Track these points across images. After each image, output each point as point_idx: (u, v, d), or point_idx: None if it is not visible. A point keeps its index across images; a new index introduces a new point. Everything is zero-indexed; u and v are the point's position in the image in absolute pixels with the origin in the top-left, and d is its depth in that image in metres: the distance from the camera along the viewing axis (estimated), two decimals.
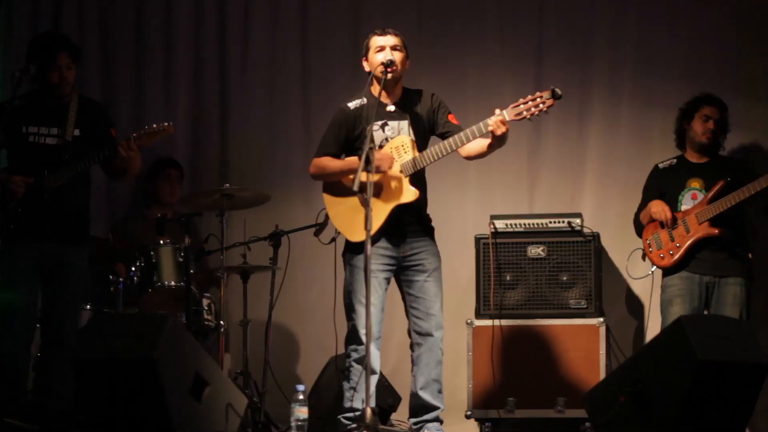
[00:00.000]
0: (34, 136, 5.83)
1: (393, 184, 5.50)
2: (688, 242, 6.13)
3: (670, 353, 4.71)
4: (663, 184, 6.33)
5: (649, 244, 6.27)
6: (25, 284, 5.72)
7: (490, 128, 5.34)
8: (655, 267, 6.28)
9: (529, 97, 5.34)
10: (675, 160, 6.38)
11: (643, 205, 6.39)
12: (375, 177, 5.22)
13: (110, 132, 5.98)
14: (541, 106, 5.32)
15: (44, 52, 5.82)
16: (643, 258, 6.36)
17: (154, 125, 5.88)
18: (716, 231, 6.08)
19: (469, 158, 5.65)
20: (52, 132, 5.85)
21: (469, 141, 5.44)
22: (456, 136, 5.45)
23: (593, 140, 7.10)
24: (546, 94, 5.31)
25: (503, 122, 5.32)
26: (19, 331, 5.71)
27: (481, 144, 5.51)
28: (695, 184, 6.25)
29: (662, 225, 6.19)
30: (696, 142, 6.30)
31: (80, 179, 5.88)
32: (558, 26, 7.17)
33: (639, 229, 6.39)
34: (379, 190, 5.48)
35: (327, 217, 5.77)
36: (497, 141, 5.41)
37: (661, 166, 6.40)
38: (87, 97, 6.19)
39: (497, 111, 5.35)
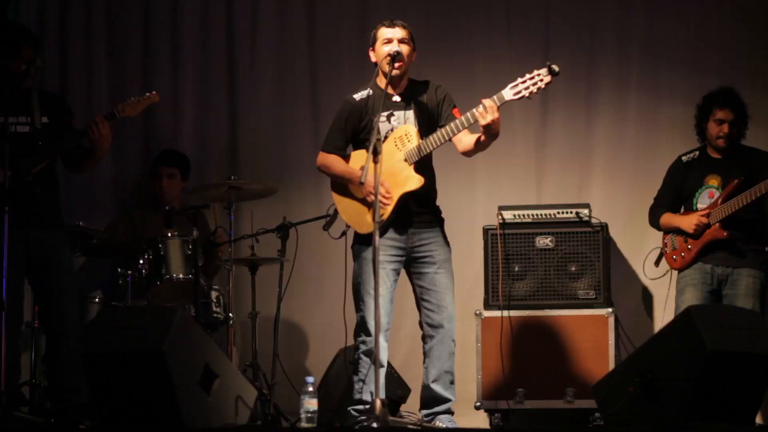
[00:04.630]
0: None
1: (398, 173, 5.49)
2: (699, 246, 6.12)
3: (680, 343, 4.71)
4: (683, 179, 6.29)
5: (666, 243, 6.27)
6: (11, 275, 5.52)
7: (478, 118, 5.33)
8: (669, 269, 6.30)
9: (527, 75, 5.32)
10: (697, 153, 6.32)
11: (662, 197, 6.36)
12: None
13: (71, 123, 5.91)
14: (539, 84, 5.30)
15: (8, 43, 5.76)
16: (657, 263, 6.37)
17: (138, 96, 5.89)
18: (724, 234, 6.05)
19: (465, 153, 5.61)
20: (22, 120, 5.77)
21: (459, 131, 5.42)
22: (449, 125, 5.43)
23: (601, 131, 7.09)
24: (543, 71, 5.29)
25: (490, 110, 5.27)
26: (9, 324, 5.51)
27: (471, 139, 5.50)
28: (713, 181, 6.21)
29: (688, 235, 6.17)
30: (713, 145, 6.27)
31: (52, 166, 5.83)
32: (565, 18, 7.17)
33: (654, 220, 6.36)
34: (385, 181, 5.46)
35: (336, 210, 5.77)
36: (486, 132, 5.36)
37: (684, 159, 6.34)
38: (46, 90, 6.18)
39: (483, 101, 5.32)
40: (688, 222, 6.15)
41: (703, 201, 6.21)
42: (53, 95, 6.11)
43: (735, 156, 6.24)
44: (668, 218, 6.29)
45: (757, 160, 6.24)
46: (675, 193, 6.33)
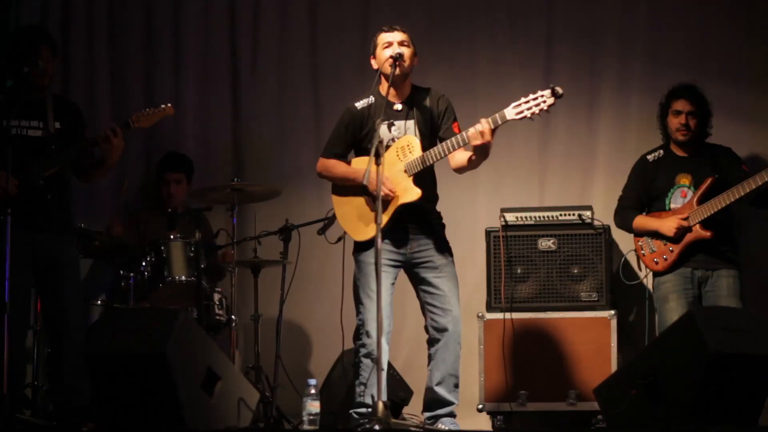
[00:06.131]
0: (16, 128, 5.73)
1: (397, 184, 5.49)
2: (682, 247, 6.11)
3: (682, 345, 4.71)
4: (652, 178, 6.28)
5: (641, 246, 6.25)
6: (17, 277, 5.53)
7: (470, 138, 5.34)
8: (648, 271, 6.28)
9: (531, 96, 5.32)
10: (662, 151, 6.32)
11: (630, 197, 6.34)
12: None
13: (84, 131, 5.93)
14: (542, 105, 5.30)
15: (26, 44, 5.77)
16: (639, 266, 6.35)
17: (153, 107, 5.92)
18: (708, 234, 6.03)
19: (457, 170, 5.62)
20: (34, 125, 5.78)
21: (453, 149, 5.43)
22: (447, 142, 5.43)
23: (603, 133, 7.09)
24: (547, 93, 5.29)
25: (482, 134, 5.29)
26: (13, 326, 5.51)
27: (464, 156, 5.50)
28: (684, 180, 6.20)
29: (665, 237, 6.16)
30: (674, 138, 6.27)
31: (65, 171, 5.84)
32: (567, 20, 7.16)
33: (625, 222, 6.34)
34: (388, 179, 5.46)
35: (334, 216, 5.78)
36: (477, 152, 5.38)
37: (649, 158, 6.34)
38: (61, 96, 6.21)
39: (481, 120, 5.33)
40: (668, 226, 6.12)
41: (675, 201, 6.20)
42: (69, 102, 6.11)
43: (703, 153, 6.24)
44: (643, 221, 6.25)
45: (725, 156, 6.24)
46: (644, 193, 6.31)
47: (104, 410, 4.84)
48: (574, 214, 6.57)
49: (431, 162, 5.48)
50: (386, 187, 5.41)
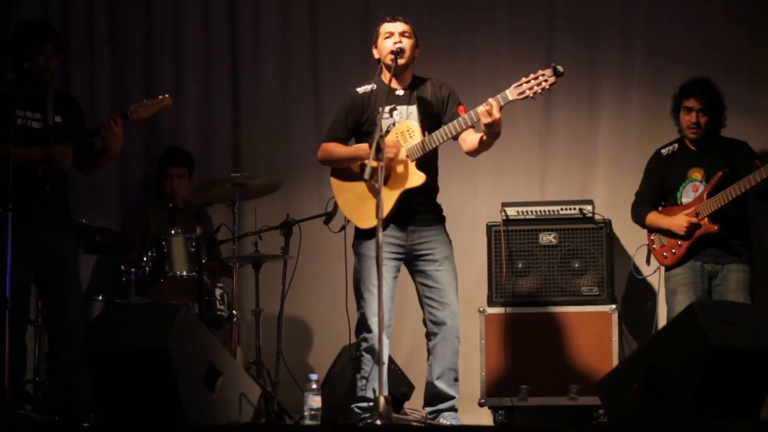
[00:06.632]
0: (21, 119, 5.76)
1: (399, 169, 5.49)
2: (690, 241, 6.10)
3: (683, 340, 4.70)
4: (665, 173, 6.28)
5: (653, 240, 6.25)
6: (17, 272, 5.51)
7: (479, 115, 5.33)
8: (660, 266, 6.27)
9: (531, 75, 5.31)
10: (677, 145, 6.31)
11: (645, 192, 6.34)
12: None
13: (84, 126, 5.97)
14: (543, 84, 5.29)
15: (29, 39, 5.80)
16: (648, 261, 6.34)
17: (151, 98, 5.99)
18: (715, 228, 6.02)
19: (470, 153, 5.60)
20: (36, 117, 5.81)
21: (462, 129, 5.42)
22: (452, 123, 5.43)
23: (604, 127, 7.08)
24: (548, 72, 5.28)
25: (490, 112, 5.28)
26: (13, 321, 5.49)
27: (475, 138, 5.49)
28: (696, 174, 6.19)
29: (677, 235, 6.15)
30: (685, 135, 6.27)
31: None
32: (567, 13, 7.16)
33: (639, 218, 6.34)
34: (387, 176, 5.46)
35: (336, 205, 5.78)
36: (487, 129, 5.36)
37: (664, 152, 6.33)
38: (62, 91, 6.25)
39: (489, 100, 5.32)
40: (678, 224, 6.10)
41: (687, 195, 6.18)
42: (69, 97, 6.14)
43: (715, 147, 6.21)
44: (655, 218, 6.24)
45: (738, 150, 6.21)
46: (658, 187, 6.30)
47: (105, 406, 4.84)
48: (575, 209, 6.56)
49: (433, 146, 5.47)
50: (394, 149, 5.39)
